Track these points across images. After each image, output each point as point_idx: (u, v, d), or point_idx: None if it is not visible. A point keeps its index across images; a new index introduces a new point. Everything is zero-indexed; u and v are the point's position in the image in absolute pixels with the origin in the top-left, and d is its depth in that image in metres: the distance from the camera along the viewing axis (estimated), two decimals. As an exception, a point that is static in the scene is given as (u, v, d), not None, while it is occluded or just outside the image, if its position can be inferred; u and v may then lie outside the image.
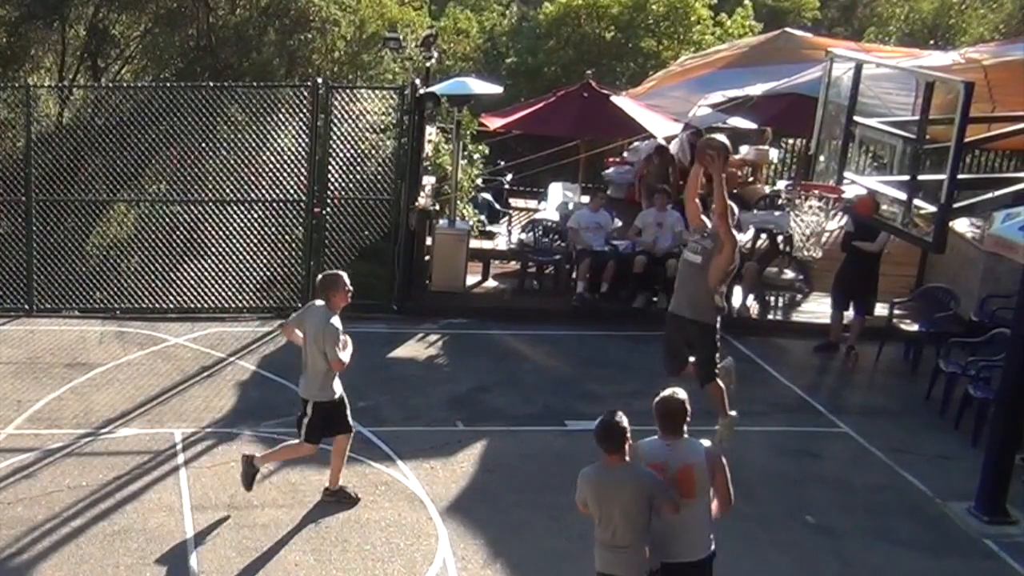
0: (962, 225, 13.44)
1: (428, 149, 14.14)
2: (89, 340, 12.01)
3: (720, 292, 8.98)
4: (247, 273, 13.08)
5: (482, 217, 15.04)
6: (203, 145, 12.87)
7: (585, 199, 15.72)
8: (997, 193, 9.05)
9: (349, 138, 12.92)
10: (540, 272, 14.48)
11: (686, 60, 19.17)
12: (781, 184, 16.80)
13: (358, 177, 13.05)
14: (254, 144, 12.91)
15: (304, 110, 12.86)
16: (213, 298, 13.07)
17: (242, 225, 13.01)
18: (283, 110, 12.95)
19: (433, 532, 8.43)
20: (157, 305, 12.97)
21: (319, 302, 8.38)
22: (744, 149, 16.82)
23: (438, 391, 11.10)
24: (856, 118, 9.37)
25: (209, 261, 13.01)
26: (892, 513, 9.13)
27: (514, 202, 17.52)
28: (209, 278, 13.03)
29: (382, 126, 13.48)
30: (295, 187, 13.01)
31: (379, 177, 13.24)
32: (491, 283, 14.38)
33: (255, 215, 13.06)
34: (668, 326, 9.23)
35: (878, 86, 10.17)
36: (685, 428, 6.31)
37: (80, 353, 11.62)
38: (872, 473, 9.85)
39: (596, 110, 16.02)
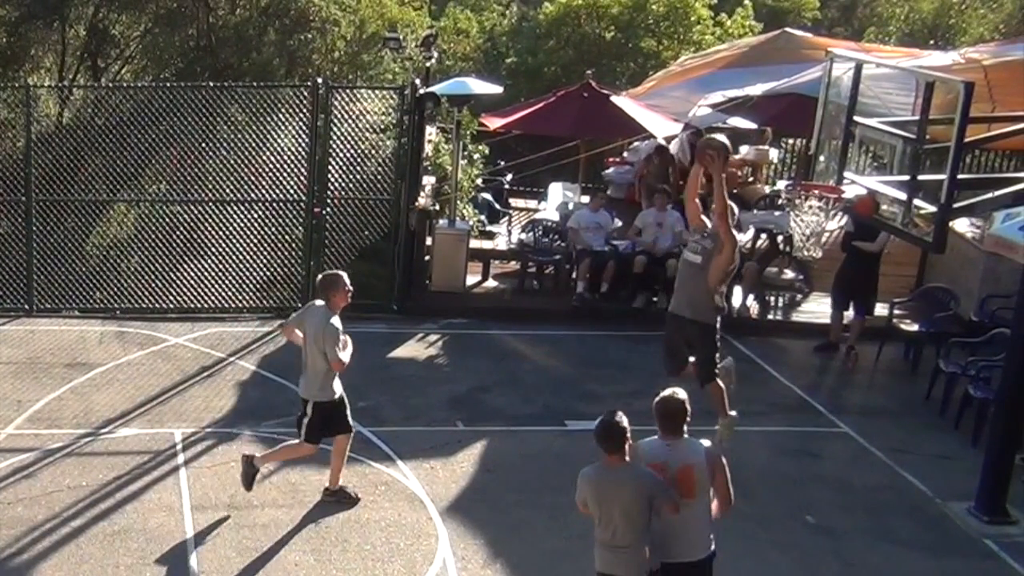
0: (962, 225, 13.44)
1: (428, 149, 14.14)
2: (89, 340, 12.01)
3: (720, 292, 8.98)
4: (247, 273, 13.08)
5: (482, 217, 15.04)
6: (203, 145, 12.88)
7: (585, 199, 15.72)
8: (997, 193, 9.04)
9: (349, 138, 12.92)
10: (540, 272, 14.48)
11: (686, 60, 19.17)
12: (781, 184, 16.78)
13: (358, 177, 13.06)
14: (254, 144, 12.91)
15: (304, 110, 12.86)
16: (213, 298, 13.07)
17: (242, 225, 13.01)
18: (283, 110, 12.95)
19: (433, 532, 8.43)
20: (157, 305, 12.97)
21: (319, 302, 8.38)
22: (744, 149, 16.81)
23: (438, 391, 11.10)
24: (856, 118, 9.37)
25: (209, 261, 13.02)
26: (892, 513, 9.13)
27: (514, 202, 17.52)
28: (209, 278, 13.03)
29: (382, 126, 13.48)
30: (295, 187, 13.01)
31: (379, 177, 13.24)
32: (491, 283, 14.38)
33: (255, 215, 13.06)
34: (668, 326, 9.23)
35: (878, 86, 10.17)
36: (685, 428, 6.31)
37: (80, 353, 11.63)
38: (872, 473, 9.85)
39: (596, 110, 16.02)
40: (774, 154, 18.14)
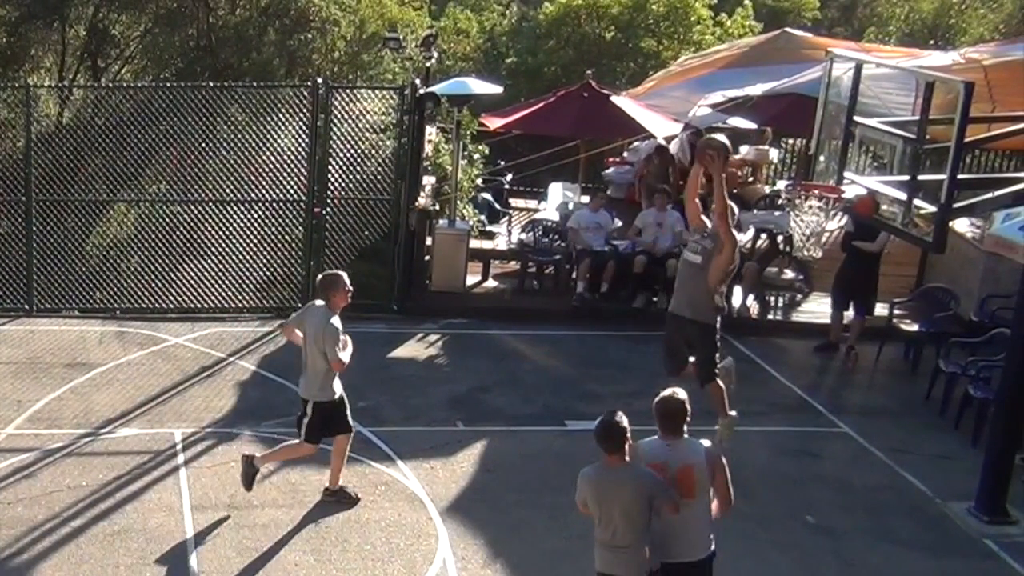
0: (962, 225, 13.44)
1: (428, 149, 14.13)
2: (89, 340, 12.01)
3: (720, 292, 8.98)
4: (247, 273, 13.08)
5: (482, 217, 15.03)
6: (203, 145, 12.88)
7: (585, 199, 15.72)
8: (997, 193, 9.04)
9: (349, 138, 12.92)
10: (540, 272, 14.48)
11: (686, 60, 19.17)
12: (781, 184, 16.78)
13: (358, 177, 13.06)
14: (254, 144, 12.91)
15: (304, 110, 12.86)
16: (213, 298, 13.07)
17: (242, 225, 13.01)
18: (283, 110, 12.95)
19: (433, 532, 8.43)
20: (157, 305, 12.97)
21: (319, 302, 8.38)
22: (744, 149, 16.81)
23: (438, 391, 11.10)
24: (856, 118, 9.37)
25: (209, 261, 13.02)
26: (892, 513, 9.13)
27: (514, 202, 17.52)
28: (209, 278, 13.03)
29: (382, 126, 13.48)
30: (295, 187, 13.01)
31: (379, 177, 13.24)
32: (491, 283, 14.38)
33: (255, 215, 13.06)
34: (668, 326, 9.23)
35: (878, 86, 10.17)
36: (685, 428, 6.31)
37: (80, 353, 11.62)
38: (872, 473, 9.85)
39: (596, 110, 16.02)
40: (774, 154, 18.14)
